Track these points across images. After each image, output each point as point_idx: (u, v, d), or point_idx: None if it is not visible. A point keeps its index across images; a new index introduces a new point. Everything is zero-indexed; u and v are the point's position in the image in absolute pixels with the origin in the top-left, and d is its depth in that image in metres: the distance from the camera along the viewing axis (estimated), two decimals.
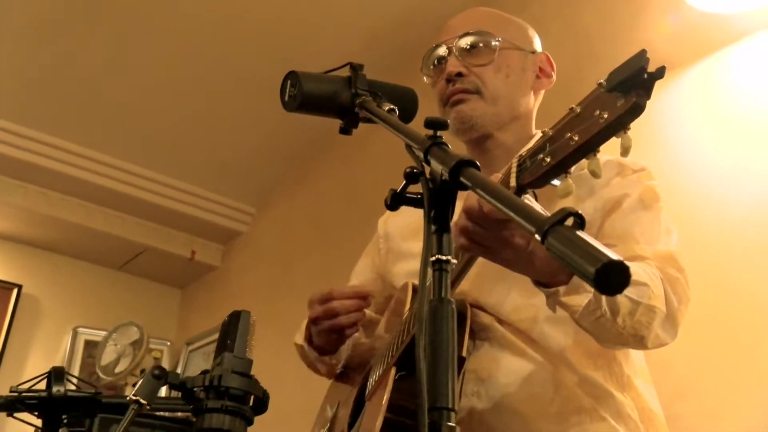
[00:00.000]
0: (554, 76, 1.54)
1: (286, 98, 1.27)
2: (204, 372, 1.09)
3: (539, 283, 1.13)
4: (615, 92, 0.90)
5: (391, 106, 1.17)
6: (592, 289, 1.08)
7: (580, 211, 0.59)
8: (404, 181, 0.88)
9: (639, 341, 1.19)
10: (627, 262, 1.09)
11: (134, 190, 3.83)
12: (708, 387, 1.94)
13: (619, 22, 2.54)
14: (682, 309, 1.24)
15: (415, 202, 0.85)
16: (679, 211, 2.16)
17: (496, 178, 1.09)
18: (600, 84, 0.93)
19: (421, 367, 0.73)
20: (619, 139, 0.92)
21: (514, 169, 1.04)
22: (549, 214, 1.08)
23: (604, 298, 1.12)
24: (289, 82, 1.28)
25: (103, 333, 3.96)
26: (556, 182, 1.05)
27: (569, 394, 1.27)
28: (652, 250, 1.28)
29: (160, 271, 4.31)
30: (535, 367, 1.29)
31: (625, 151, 0.91)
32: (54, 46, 3.20)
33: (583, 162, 1.01)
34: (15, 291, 3.92)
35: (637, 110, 0.88)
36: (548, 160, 0.97)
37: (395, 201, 0.86)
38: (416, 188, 0.87)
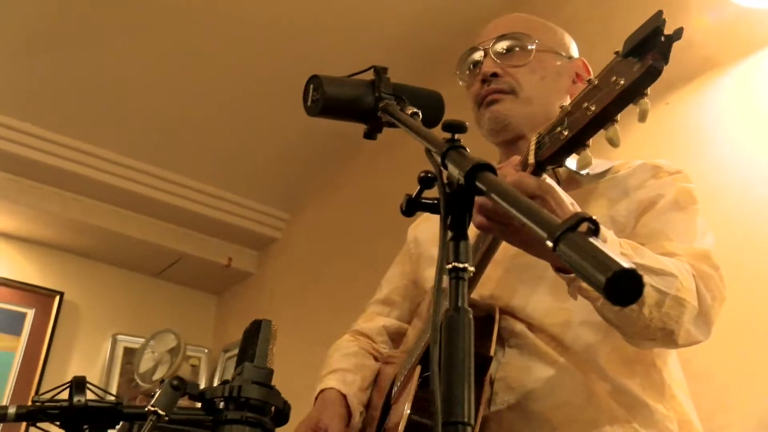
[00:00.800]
0: None
1: (309, 103, 1.25)
2: (224, 382, 1.08)
3: (559, 269, 1.09)
4: (631, 57, 0.88)
5: (415, 110, 1.14)
6: None
7: (594, 217, 0.55)
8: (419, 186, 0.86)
9: (668, 336, 1.14)
10: (644, 268, 1.05)
11: (169, 197, 3.85)
12: (752, 397, 1.87)
13: None
14: (716, 306, 1.19)
15: (431, 208, 0.82)
16: (722, 212, 2.10)
17: (516, 159, 1.08)
18: (616, 53, 0.91)
19: (436, 380, 0.70)
20: (637, 106, 0.90)
21: (532, 147, 1.03)
22: (569, 210, 1.05)
23: None
24: (311, 86, 1.25)
25: (142, 340, 3.99)
26: (572, 164, 1.02)
27: (601, 404, 1.22)
28: (685, 248, 1.24)
29: (197, 278, 4.32)
30: (567, 376, 1.24)
31: (642, 115, 0.89)
32: (87, 55, 3.23)
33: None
34: (57, 298, 3.96)
35: (653, 73, 0.86)
36: (566, 133, 0.95)
37: (410, 206, 0.83)
38: (434, 193, 0.85)
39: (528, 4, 3.00)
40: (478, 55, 1.49)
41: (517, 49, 1.45)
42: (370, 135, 1.25)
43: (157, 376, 3.75)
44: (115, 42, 3.18)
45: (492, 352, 1.22)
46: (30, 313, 3.88)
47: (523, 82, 1.43)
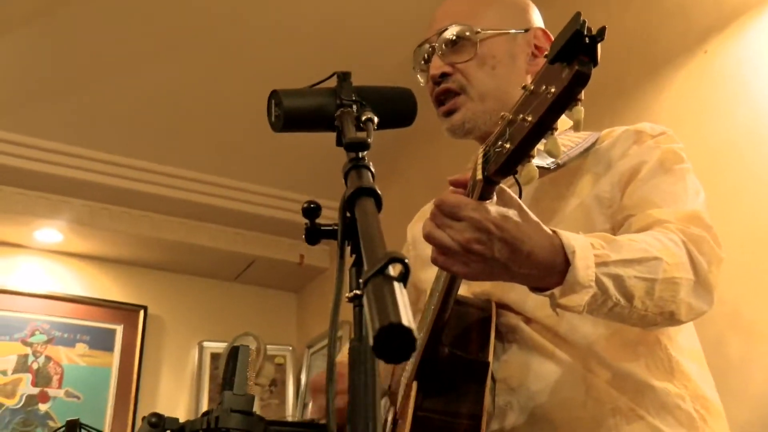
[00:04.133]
0: None
1: (273, 119, 1.25)
2: (205, 413, 1.08)
3: (535, 289, 1.05)
4: (558, 63, 0.84)
5: (370, 116, 1.12)
6: (593, 283, 1.00)
7: (406, 259, 0.52)
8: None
9: (669, 317, 1.10)
10: (624, 262, 0.99)
11: (234, 204, 3.94)
12: None
13: None
14: (713, 270, 1.13)
15: (330, 234, 0.80)
16: (765, 159, 1.98)
17: (469, 171, 1.04)
18: (545, 56, 0.86)
19: (330, 416, 0.68)
20: (571, 113, 0.85)
21: (479, 161, 0.99)
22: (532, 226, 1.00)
23: (611, 285, 1.02)
24: (273, 102, 1.24)
25: (226, 344, 4.09)
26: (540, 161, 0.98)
27: (601, 396, 1.17)
28: (673, 212, 1.17)
29: (274, 279, 4.39)
30: (564, 370, 1.19)
31: (576, 125, 0.85)
32: (140, 77, 3.32)
33: (560, 143, 0.93)
34: (142, 312, 4.11)
35: (581, 78, 0.82)
36: (507, 146, 0.92)
37: (310, 235, 0.81)
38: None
39: None
40: (426, 49, 1.43)
41: (462, 38, 1.38)
42: (341, 142, 1.22)
43: None
44: (167, 59, 3.25)
45: (490, 357, 1.18)
46: (119, 329, 4.05)
47: (473, 79, 1.37)
